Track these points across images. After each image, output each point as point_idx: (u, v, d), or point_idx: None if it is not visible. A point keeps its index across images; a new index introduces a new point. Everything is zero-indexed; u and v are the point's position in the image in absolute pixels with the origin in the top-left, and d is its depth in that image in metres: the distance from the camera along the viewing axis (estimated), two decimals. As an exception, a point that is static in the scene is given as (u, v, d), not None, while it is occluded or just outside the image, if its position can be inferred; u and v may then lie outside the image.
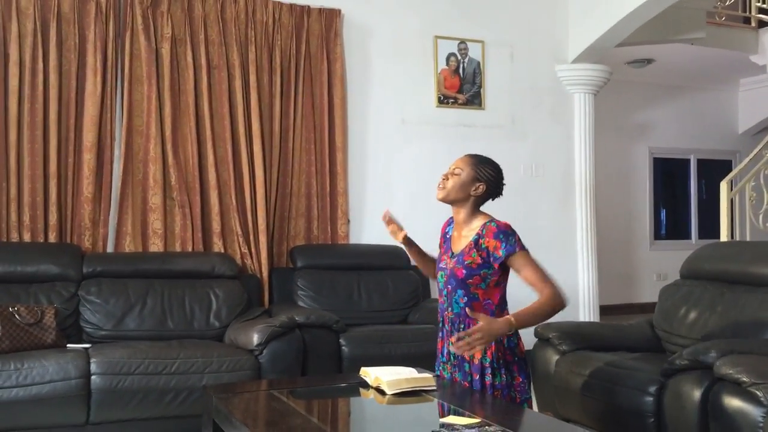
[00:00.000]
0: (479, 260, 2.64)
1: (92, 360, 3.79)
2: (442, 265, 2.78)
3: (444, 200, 2.74)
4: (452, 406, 2.44)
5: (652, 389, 3.36)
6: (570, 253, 6.26)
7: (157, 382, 3.82)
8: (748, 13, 7.83)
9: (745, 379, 2.91)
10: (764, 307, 3.63)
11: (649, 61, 8.03)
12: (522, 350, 2.72)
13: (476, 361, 2.64)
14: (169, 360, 3.88)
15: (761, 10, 7.77)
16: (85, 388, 3.71)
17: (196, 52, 5.02)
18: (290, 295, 5.00)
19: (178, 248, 4.94)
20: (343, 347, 4.41)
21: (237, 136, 5.11)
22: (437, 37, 5.86)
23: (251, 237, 5.11)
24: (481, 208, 2.75)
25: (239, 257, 5.06)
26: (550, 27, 6.25)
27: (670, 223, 9.70)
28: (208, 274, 4.71)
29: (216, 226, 5.04)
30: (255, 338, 4.05)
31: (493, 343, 2.60)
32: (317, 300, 4.93)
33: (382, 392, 2.67)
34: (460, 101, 5.93)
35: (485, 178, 2.71)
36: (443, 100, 5.87)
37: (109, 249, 4.85)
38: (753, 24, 7.79)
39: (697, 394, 3.10)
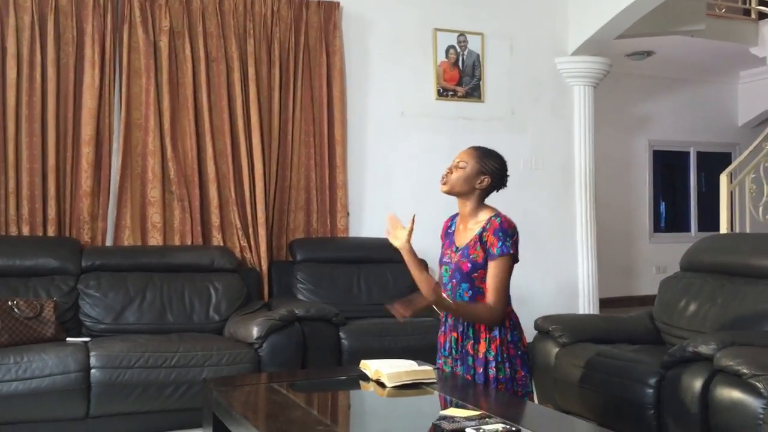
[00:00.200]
0: (483, 254, 2.63)
1: (92, 353, 3.79)
2: (446, 259, 2.78)
3: (449, 193, 2.73)
4: (453, 399, 2.44)
5: (652, 381, 3.36)
6: (570, 245, 6.25)
7: (157, 376, 3.82)
8: (748, 5, 7.80)
9: (745, 370, 2.91)
10: (764, 299, 3.63)
11: (648, 53, 8.01)
12: (524, 344, 2.72)
13: (480, 355, 2.64)
14: (169, 353, 3.89)
15: (761, 2, 7.73)
16: (84, 381, 3.72)
17: (194, 44, 5.00)
18: (290, 288, 5.00)
19: (177, 242, 4.93)
20: (343, 340, 4.41)
21: (236, 129, 5.10)
22: (437, 29, 5.84)
23: (250, 230, 5.10)
24: (486, 201, 2.75)
25: (238, 250, 5.06)
26: (549, 19, 6.23)
27: (669, 215, 9.70)
28: (208, 268, 4.71)
29: (215, 219, 5.03)
30: (255, 331, 4.05)
31: (497, 337, 2.62)
32: (317, 293, 4.93)
33: (382, 385, 2.67)
34: (459, 94, 5.91)
35: (490, 171, 2.70)
36: (443, 93, 5.86)
37: (108, 242, 4.84)
38: (753, 16, 7.76)
39: (697, 385, 3.10)
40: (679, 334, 3.91)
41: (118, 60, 4.86)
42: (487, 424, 2.09)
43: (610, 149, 8.32)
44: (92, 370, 3.74)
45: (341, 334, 4.42)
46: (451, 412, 2.24)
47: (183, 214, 4.94)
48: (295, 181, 5.31)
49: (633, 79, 8.76)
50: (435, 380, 2.67)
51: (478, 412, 2.21)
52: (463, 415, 2.18)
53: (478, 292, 2.66)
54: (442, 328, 2.81)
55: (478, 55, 5.96)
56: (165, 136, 4.91)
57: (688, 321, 3.95)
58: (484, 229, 2.65)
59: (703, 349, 3.16)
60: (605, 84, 6.80)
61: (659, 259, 8.84)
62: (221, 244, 5.01)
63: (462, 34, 5.92)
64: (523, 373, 2.68)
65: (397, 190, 5.62)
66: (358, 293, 5.06)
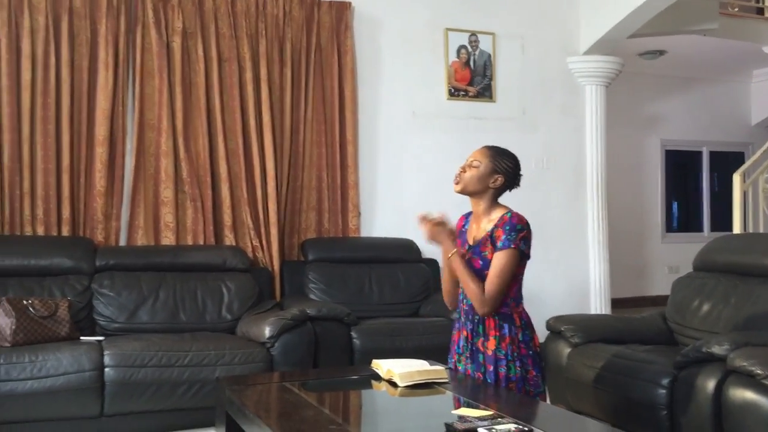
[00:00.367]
0: (493, 251, 2.64)
1: (106, 352, 3.82)
2: None
3: (462, 192, 2.73)
4: (465, 399, 2.44)
5: (665, 382, 3.35)
6: (581, 245, 6.24)
7: (170, 375, 3.84)
8: (761, 3, 7.75)
9: (758, 371, 2.90)
10: (778, 299, 3.62)
11: (661, 52, 7.97)
12: (537, 344, 2.72)
13: (490, 353, 2.64)
14: (182, 352, 3.91)
15: (775, 1, 7.70)
16: (98, 380, 3.74)
17: (207, 45, 5.03)
18: (301, 287, 5.01)
19: (189, 241, 4.95)
20: (355, 340, 4.42)
21: (248, 129, 5.12)
22: (448, 29, 5.83)
23: (262, 230, 5.12)
24: (498, 200, 2.75)
25: (251, 250, 5.08)
26: (561, 18, 6.22)
27: (682, 215, 9.65)
28: (220, 267, 4.73)
29: (227, 219, 5.05)
30: (267, 331, 4.07)
31: (507, 335, 2.63)
32: (328, 293, 4.94)
33: (394, 384, 2.68)
34: (470, 94, 5.91)
35: (503, 170, 2.70)
36: (454, 93, 5.86)
37: (122, 242, 4.87)
38: (766, 15, 7.72)
39: (710, 386, 3.10)
40: (692, 335, 3.90)
41: (132, 61, 4.89)
42: (499, 424, 2.10)
43: (622, 149, 8.29)
44: (106, 369, 3.77)
45: (353, 334, 4.43)
46: (464, 411, 2.25)
47: (195, 213, 4.97)
48: (307, 180, 5.33)
49: (645, 78, 8.73)
50: (447, 380, 2.67)
51: (490, 412, 2.22)
52: (476, 415, 2.18)
53: None
54: (456, 325, 2.82)
55: (489, 55, 5.96)
56: (178, 137, 4.94)
57: (701, 321, 3.93)
58: (495, 226, 2.66)
59: (717, 349, 3.15)
60: (617, 83, 6.77)
61: (671, 259, 8.80)
62: (233, 243, 5.03)
63: (473, 33, 5.91)
64: (534, 373, 2.67)
65: (408, 190, 5.62)
66: (370, 293, 5.06)
